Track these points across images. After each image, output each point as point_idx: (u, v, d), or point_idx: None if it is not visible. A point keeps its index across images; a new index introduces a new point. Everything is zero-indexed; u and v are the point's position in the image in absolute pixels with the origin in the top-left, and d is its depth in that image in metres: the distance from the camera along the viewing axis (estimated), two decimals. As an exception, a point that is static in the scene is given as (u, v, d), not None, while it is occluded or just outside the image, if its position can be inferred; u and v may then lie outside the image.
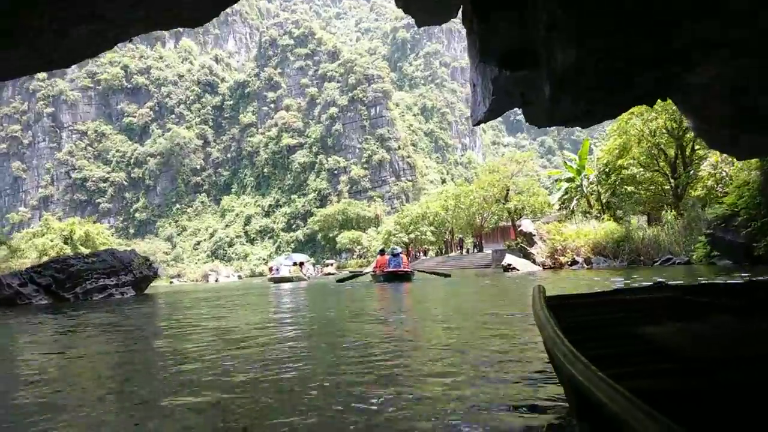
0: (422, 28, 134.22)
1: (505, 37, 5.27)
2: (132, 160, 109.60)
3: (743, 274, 8.60)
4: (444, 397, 2.12)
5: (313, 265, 48.15)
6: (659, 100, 6.59)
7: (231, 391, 2.42)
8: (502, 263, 19.13)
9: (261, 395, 2.32)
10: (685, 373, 1.40)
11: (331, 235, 79.38)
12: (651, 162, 21.21)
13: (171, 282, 59.58)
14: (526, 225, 21.82)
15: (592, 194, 25.39)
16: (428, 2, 7.50)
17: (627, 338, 1.82)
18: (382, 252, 18.59)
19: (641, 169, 21.48)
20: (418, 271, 19.30)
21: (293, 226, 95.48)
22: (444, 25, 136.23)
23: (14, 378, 3.28)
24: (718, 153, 17.74)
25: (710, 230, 13.74)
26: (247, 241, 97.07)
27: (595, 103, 5.62)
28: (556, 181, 30.92)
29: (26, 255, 37.81)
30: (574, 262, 18.19)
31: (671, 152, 20.47)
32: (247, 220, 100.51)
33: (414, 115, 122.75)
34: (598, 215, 22.72)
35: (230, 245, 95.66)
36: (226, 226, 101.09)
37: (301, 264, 32.48)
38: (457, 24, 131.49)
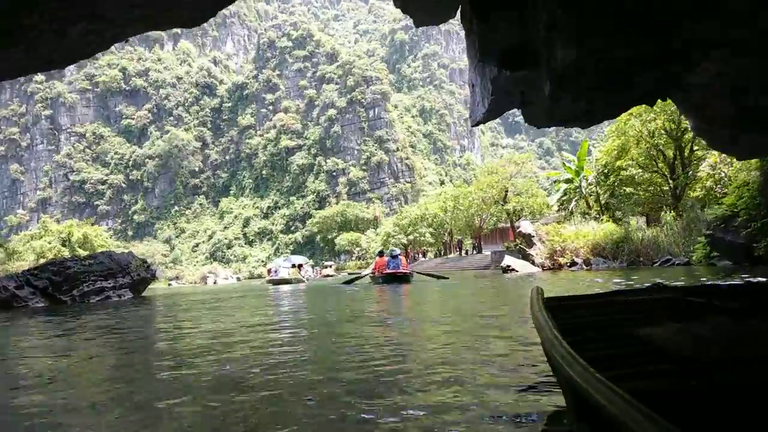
0: (420, 30, 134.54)
1: (505, 37, 5.24)
2: (130, 163, 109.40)
3: (743, 275, 8.57)
4: (443, 399, 2.11)
5: (312, 267, 48.06)
6: (659, 101, 6.57)
7: (228, 396, 2.38)
8: (501, 264, 19.09)
9: (259, 400, 2.28)
10: (683, 374, 1.39)
11: (329, 236, 79.32)
12: (650, 163, 21.20)
13: (169, 284, 59.44)
14: (525, 226, 21.78)
15: (590, 195, 25.38)
16: (427, 2, 7.46)
17: (625, 339, 1.82)
18: (381, 254, 18.55)
19: (640, 170, 21.46)
20: (417, 272, 19.26)
21: (292, 228, 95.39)
22: (442, 27, 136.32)
23: (9, 381, 3.23)
24: (716, 154, 17.73)
25: (710, 231, 13.71)
26: (245, 243, 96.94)
27: (595, 102, 5.59)
28: (555, 182, 30.90)
29: (24, 257, 37.63)
30: (573, 264, 18.16)
31: (670, 153, 20.47)
32: (246, 222, 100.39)
33: (412, 116, 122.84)
34: (597, 216, 22.70)
35: (229, 247, 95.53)
36: (225, 228, 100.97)
37: (300, 266, 32.41)
38: (455, 26, 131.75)
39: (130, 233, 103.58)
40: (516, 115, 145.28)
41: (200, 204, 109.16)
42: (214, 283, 59.60)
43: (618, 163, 21.89)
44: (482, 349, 3.35)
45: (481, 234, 40.85)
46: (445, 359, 3.04)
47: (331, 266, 52.60)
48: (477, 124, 7.77)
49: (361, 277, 19.41)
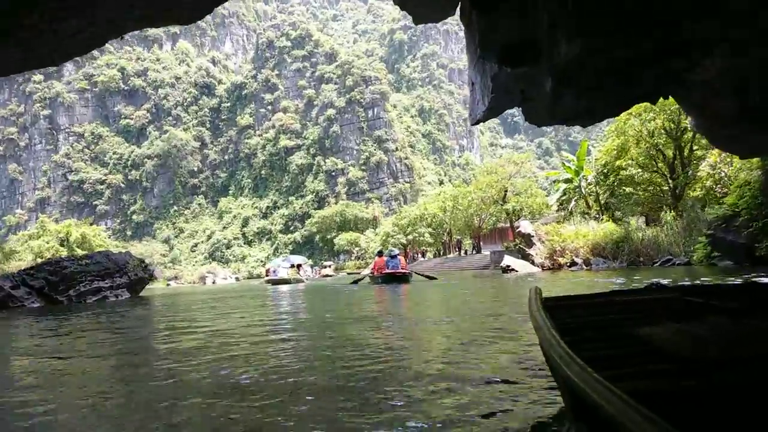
0: (419, 30, 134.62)
1: (506, 31, 5.16)
2: (129, 162, 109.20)
3: (745, 276, 8.50)
4: (440, 399, 2.12)
5: (311, 267, 47.98)
6: (660, 100, 6.50)
7: (226, 397, 2.34)
8: (501, 264, 19.02)
9: (258, 401, 2.24)
10: (682, 374, 1.38)
11: (329, 236, 79.21)
12: (649, 163, 21.14)
13: (168, 284, 59.31)
14: (525, 226, 21.70)
15: (590, 195, 25.32)
16: (426, -2, 7.39)
17: (624, 339, 1.83)
18: (380, 253, 18.48)
19: (640, 170, 21.39)
20: (415, 273, 19.23)
21: (291, 228, 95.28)
22: (441, 27, 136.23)
23: (4, 382, 3.19)
24: (716, 153, 17.69)
25: (711, 231, 13.64)
26: (244, 243, 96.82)
27: (597, 99, 5.52)
28: (554, 182, 30.84)
29: (22, 257, 37.53)
30: (573, 264, 18.09)
31: (669, 153, 20.41)
32: (245, 222, 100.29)
33: (411, 116, 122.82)
34: (597, 216, 22.65)
35: (228, 247, 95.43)
36: (224, 228, 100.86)
37: (299, 266, 32.34)
38: (454, 26, 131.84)
39: (128, 233, 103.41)
40: (515, 115, 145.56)
41: (199, 204, 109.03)
42: (213, 283, 59.50)
43: (617, 162, 21.83)
44: (481, 349, 3.35)
45: (480, 234, 40.78)
46: (443, 359, 3.04)
47: (330, 266, 52.49)
48: (477, 123, 7.70)
49: (362, 278, 19.44)
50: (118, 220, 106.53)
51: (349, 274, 40.61)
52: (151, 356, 3.98)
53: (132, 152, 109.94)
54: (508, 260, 18.79)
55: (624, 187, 22.09)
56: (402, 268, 16.23)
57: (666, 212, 18.09)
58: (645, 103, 18.22)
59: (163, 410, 2.19)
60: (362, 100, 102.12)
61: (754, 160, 12.09)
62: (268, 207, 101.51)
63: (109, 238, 62.02)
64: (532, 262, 19.22)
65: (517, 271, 17.54)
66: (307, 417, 1.98)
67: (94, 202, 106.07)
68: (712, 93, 6.06)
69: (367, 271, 22.92)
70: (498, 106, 7.00)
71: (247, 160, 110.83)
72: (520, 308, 5.44)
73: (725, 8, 4.93)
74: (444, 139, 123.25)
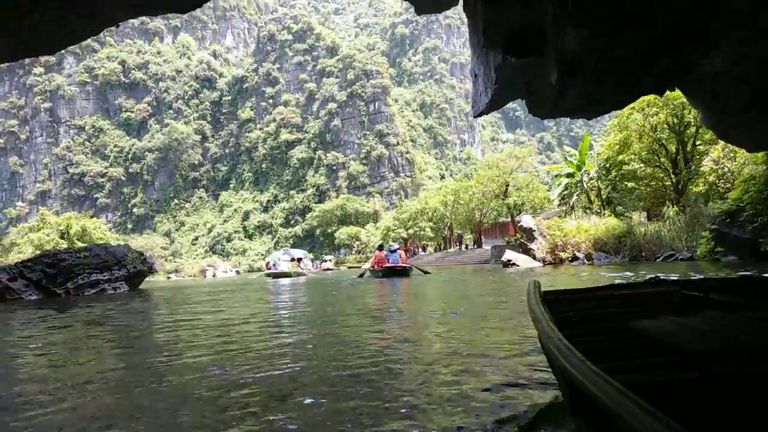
0: (421, 24, 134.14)
1: (510, 19, 5.03)
2: (130, 156, 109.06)
3: (749, 270, 8.39)
4: (439, 391, 2.14)
5: (312, 260, 47.94)
6: (662, 94, 6.36)
7: (226, 393, 2.30)
8: (502, 259, 18.93)
9: (258, 397, 2.21)
10: (680, 366, 1.38)
11: (329, 230, 79.09)
12: (652, 157, 21.00)
13: (168, 277, 59.35)
14: (526, 221, 21.57)
15: (592, 190, 25.19)
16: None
17: (622, 332, 1.84)
18: (380, 247, 18.44)
19: (642, 165, 21.26)
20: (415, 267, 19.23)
21: (292, 222, 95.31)
22: (443, 21, 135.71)
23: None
24: (719, 148, 17.56)
25: (715, 225, 13.52)
26: (245, 237, 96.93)
27: (603, 91, 5.39)
28: (556, 176, 30.69)
29: (22, 250, 37.54)
30: (574, 258, 17.99)
31: (672, 148, 20.27)
32: (246, 216, 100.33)
33: (413, 110, 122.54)
34: (599, 211, 22.53)
35: (228, 240, 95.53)
36: (225, 221, 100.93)
37: (300, 260, 32.31)
38: (456, 20, 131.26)
39: (129, 226, 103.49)
40: (516, 109, 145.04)
41: (200, 197, 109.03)
42: (214, 276, 59.50)
43: (620, 157, 21.69)
44: (480, 342, 3.36)
45: (481, 228, 40.73)
46: (443, 352, 3.03)
47: (330, 260, 52.44)
48: (479, 115, 7.56)
49: (365, 272, 19.57)
50: (119, 213, 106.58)
51: (349, 268, 40.59)
52: (146, 351, 3.92)
53: (133, 145, 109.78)
54: (509, 255, 18.71)
55: (626, 182, 21.98)
56: (402, 263, 16.27)
57: (668, 207, 17.96)
58: (648, 98, 18.06)
59: (161, 409, 2.15)
60: (363, 94, 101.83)
61: (760, 154, 11.96)
62: (268, 201, 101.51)
63: (109, 231, 61.99)
64: (534, 257, 19.12)
65: (518, 265, 17.44)
66: (307, 414, 1.95)
67: (95, 195, 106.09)
68: (723, 83, 5.93)
69: (367, 265, 22.89)
70: (501, 99, 6.87)
71: (248, 153, 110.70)
72: (520, 302, 5.36)
73: (725, 8, 4.84)
74: (445, 134, 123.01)
